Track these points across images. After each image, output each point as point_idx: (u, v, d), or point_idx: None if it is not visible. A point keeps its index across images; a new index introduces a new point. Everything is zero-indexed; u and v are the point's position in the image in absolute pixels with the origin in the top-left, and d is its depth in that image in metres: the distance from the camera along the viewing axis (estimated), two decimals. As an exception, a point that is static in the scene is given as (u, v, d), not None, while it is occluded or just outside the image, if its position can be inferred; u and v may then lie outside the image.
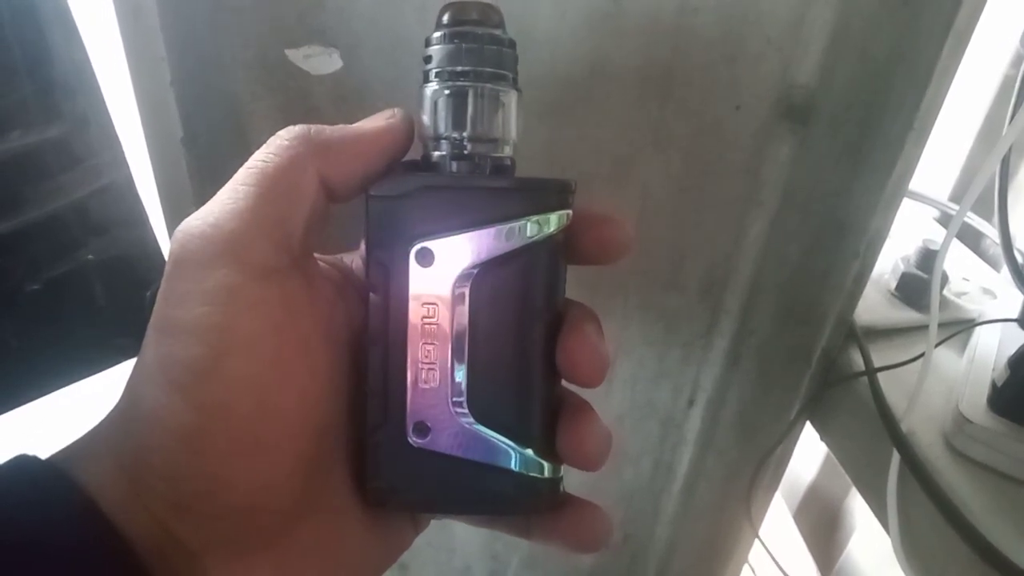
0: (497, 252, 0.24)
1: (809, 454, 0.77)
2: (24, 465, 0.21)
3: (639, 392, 0.48)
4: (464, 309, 0.24)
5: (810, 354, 0.42)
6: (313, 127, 0.24)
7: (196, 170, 0.32)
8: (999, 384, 0.35)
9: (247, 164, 0.23)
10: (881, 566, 0.64)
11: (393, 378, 0.25)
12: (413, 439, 0.25)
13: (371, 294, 0.25)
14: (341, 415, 0.26)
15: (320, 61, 0.33)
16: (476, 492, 0.25)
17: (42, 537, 0.19)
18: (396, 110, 0.26)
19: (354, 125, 0.25)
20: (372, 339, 0.25)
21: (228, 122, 0.34)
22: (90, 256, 0.31)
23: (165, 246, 0.35)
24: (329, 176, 0.24)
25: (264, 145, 0.24)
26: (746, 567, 0.60)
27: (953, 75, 0.33)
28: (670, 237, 0.42)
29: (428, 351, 0.24)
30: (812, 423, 0.46)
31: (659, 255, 0.43)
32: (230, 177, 0.24)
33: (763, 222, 0.42)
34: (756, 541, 0.56)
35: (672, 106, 0.38)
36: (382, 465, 0.25)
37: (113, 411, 0.23)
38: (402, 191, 0.24)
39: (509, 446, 0.25)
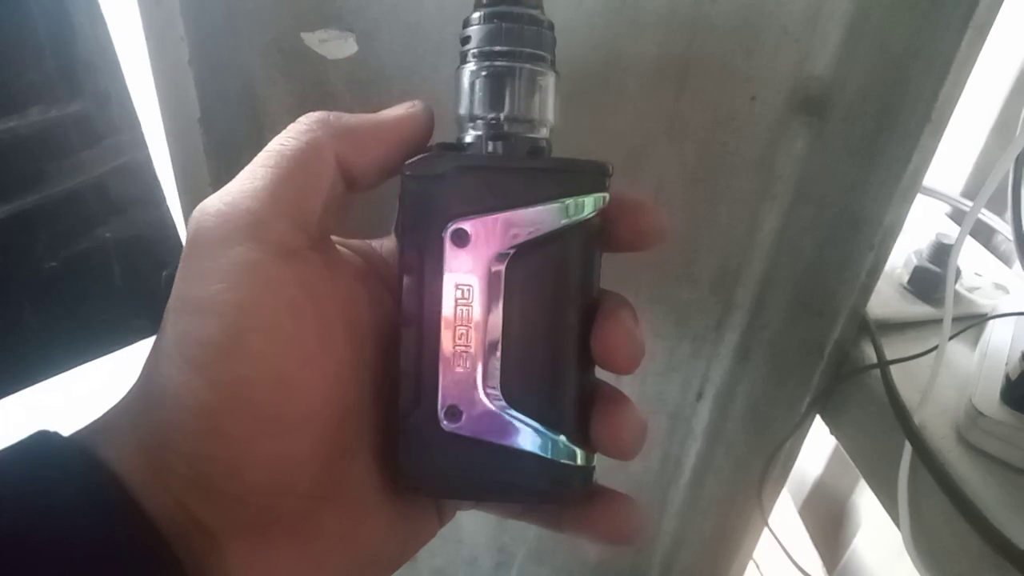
0: (533, 234, 0.24)
1: (816, 449, 0.77)
2: (47, 441, 0.21)
3: (648, 385, 0.48)
4: (499, 292, 0.24)
5: (822, 347, 0.42)
6: (333, 113, 0.24)
7: (213, 151, 0.32)
8: (1012, 377, 0.35)
9: (267, 147, 0.23)
10: (887, 562, 0.64)
11: (426, 361, 0.24)
12: (445, 423, 0.24)
13: (405, 276, 0.24)
14: (365, 401, 0.25)
15: (336, 45, 0.33)
16: (507, 479, 0.25)
17: (68, 516, 0.19)
18: (416, 101, 0.26)
19: (375, 114, 0.25)
20: (405, 321, 0.24)
21: (244, 104, 0.34)
22: (108, 235, 0.31)
23: (181, 227, 0.35)
24: (347, 161, 0.24)
25: (284, 130, 0.24)
26: (751, 563, 0.60)
27: (971, 68, 0.33)
28: (683, 229, 0.42)
29: (462, 334, 0.24)
30: (822, 417, 0.45)
31: (672, 247, 0.43)
32: (246, 158, 0.24)
33: (777, 215, 0.42)
34: (762, 536, 0.55)
35: (687, 97, 0.37)
36: (414, 450, 0.25)
37: (131, 391, 0.23)
38: (438, 170, 0.24)
39: (542, 432, 0.25)
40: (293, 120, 0.35)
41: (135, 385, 0.23)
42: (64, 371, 0.32)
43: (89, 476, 0.20)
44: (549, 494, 0.25)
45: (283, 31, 0.32)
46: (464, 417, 0.24)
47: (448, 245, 0.24)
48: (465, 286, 0.24)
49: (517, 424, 0.24)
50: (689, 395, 0.49)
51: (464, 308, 0.24)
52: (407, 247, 0.24)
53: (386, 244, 0.29)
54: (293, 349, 0.22)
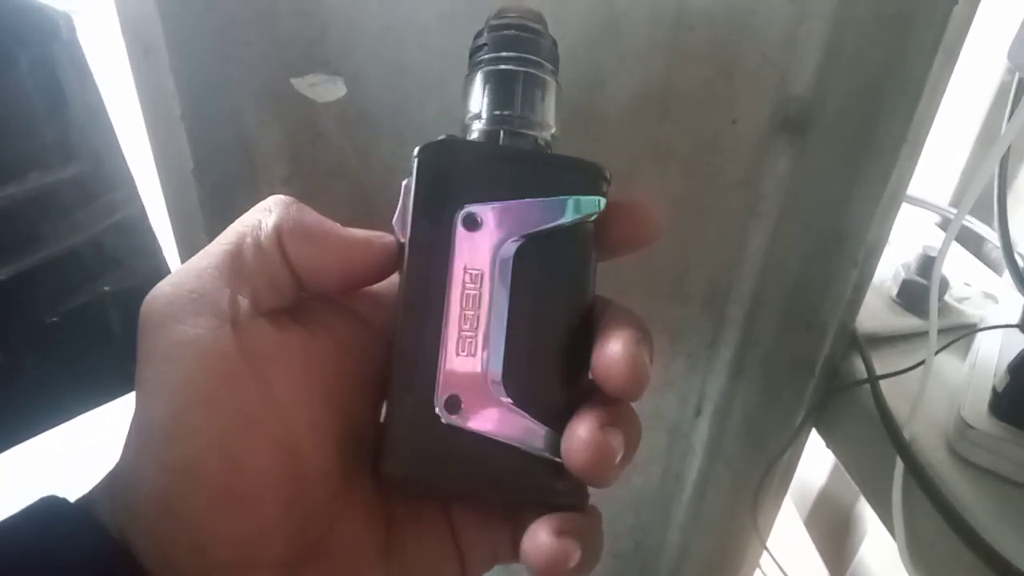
0: (539, 226, 0.24)
1: (818, 460, 0.77)
2: (55, 507, 0.21)
3: (646, 402, 0.49)
4: (507, 282, 0.24)
5: (813, 363, 0.43)
6: (296, 204, 0.24)
7: (207, 200, 0.33)
8: (999, 389, 0.35)
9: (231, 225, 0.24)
10: (892, 570, 0.64)
11: (427, 346, 0.23)
12: (443, 414, 0.23)
13: (411, 256, 0.24)
14: (340, 457, 0.25)
15: (325, 89, 0.34)
16: (503, 475, 0.24)
17: None
18: (385, 233, 0.26)
19: (343, 228, 0.25)
20: (408, 302, 0.24)
21: (238, 149, 0.35)
22: (106, 288, 0.32)
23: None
24: (294, 253, 0.24)
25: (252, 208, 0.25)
26: (757, 573, 0.61)
27: (944, 88, 0.34)
28: (672, 249, 0.43)
29: (468, 320, 0.24)
30: (818, 431, 0.46)
31: (662, 267, 0.44)
32: (240, 204, 0.24)
33: (763, 233, 0.43)
34: (768, 547, 0.56)
35: (670, 121, 0.38)
36: (405, 442, 0.23)
37: (115, 466, 0.23)
38: (455, 154, 0.24)
39: (541, 428, 0.23)
40: (285, 162, 0.36)
41: (118, 460, 0.23)
42: (67, 420, 0.33)
43: (98, 544, 0.21)
44: (542, 493, 0.24)
45: (273, 77, 0.33)
46: (463, 408, 0.23)
47: (459, 229, 0.24)
48: (475, 271, 0.24)
49: (519, 418, 0.23)
50: (687, 411, 0.50)
51: (472, 294, 0.24)
52: (417, 226, 0.24)
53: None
54: (238, 423, 0.22)
